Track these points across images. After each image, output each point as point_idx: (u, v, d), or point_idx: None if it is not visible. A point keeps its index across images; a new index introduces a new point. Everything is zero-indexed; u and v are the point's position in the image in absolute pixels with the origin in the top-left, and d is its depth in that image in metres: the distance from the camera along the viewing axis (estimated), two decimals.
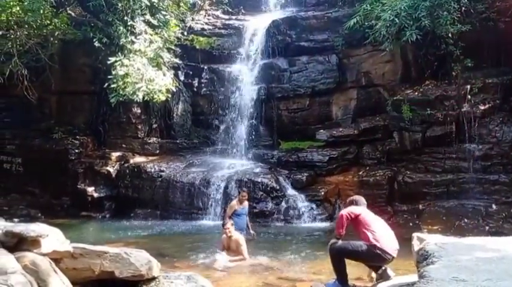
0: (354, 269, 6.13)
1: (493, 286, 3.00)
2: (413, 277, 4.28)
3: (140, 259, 4.95)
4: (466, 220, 10.82)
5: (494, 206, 10.98)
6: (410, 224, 11.34)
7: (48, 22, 12.99)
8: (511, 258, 3.71)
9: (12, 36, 12.64)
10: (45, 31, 13.06)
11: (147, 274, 4.91)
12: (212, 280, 5.91)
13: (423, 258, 3.73)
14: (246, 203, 9.71)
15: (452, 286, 2.99)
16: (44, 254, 4.45)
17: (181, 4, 14.92)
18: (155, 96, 12.50)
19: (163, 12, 13.51)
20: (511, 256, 3.79)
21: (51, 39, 13.30)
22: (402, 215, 12.04)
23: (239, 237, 8.38)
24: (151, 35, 12.80)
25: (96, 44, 12.75)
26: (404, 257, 5.77)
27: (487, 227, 10.49)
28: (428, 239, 4.31)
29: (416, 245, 4.30)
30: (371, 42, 13.09)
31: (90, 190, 13.53)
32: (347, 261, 5.65)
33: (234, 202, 9.69)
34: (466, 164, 11.70)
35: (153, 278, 4.99)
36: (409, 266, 5.71)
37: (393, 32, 12.08)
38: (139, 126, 14.92)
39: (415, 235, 4.58)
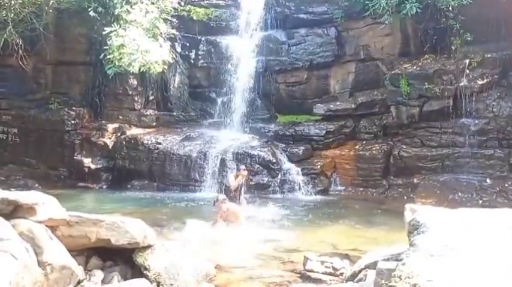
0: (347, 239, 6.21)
1: (480, 254, 3.05)
2: (404, 247, 4.34)
3: (136, 227, 5.03)
4: (460, 194, 10.91)
5: (488, 181, 11.06)
6: (405, 197, 11.46)
7: None
8: (501, 228, 3.76)
9: (6, 4, 12.42)
10: (39, 0, 12.84)
11: (142, 242, 4.99)
12: (207, 250, 6.00)
13: (414, 228, 3.79)
14: (240, 178, 10.15)
15: (441, 253, 3.04)
16: (39, 222, 4.50)
17: None
18: (151, 67, 12.37)
19: None
20: (501, 226, 3.84)
21: (46, 8, 13.06)
22: (397, 188, 12.20)
23: (237, 209, 8.47)
24: (148, 4, 12.57)
25: (91, 13, 12.56)
26: (399, 230, 5.84)
27: (480, 201, 10.59)
28: (420, 210, 4.37)
29: (408, 216, 4.35)
30: (370, 15, 12.93)
31: (87, 161, 13.56)
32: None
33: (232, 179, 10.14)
34: (462, 138, 11.74)
35: (149, 246, 5.07)
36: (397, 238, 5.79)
37: (393, 5, 11.94)
38: (136, 98, 14.81)
39: (407, 206, 4.63)
